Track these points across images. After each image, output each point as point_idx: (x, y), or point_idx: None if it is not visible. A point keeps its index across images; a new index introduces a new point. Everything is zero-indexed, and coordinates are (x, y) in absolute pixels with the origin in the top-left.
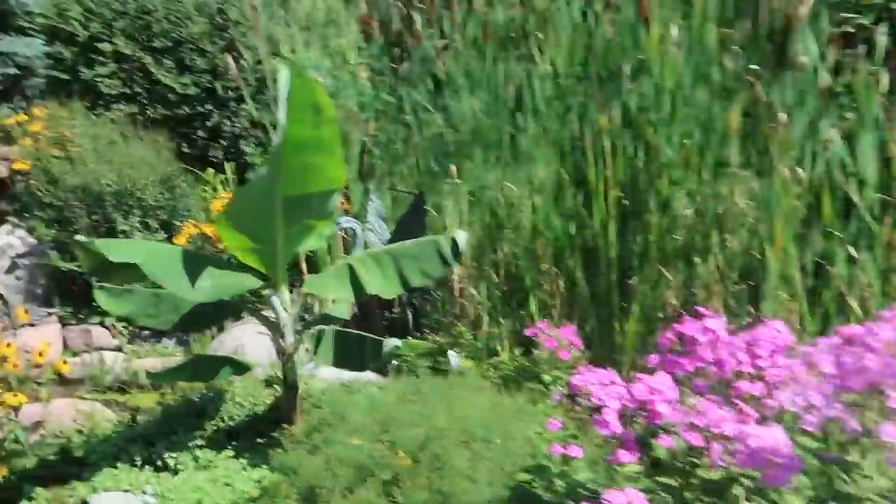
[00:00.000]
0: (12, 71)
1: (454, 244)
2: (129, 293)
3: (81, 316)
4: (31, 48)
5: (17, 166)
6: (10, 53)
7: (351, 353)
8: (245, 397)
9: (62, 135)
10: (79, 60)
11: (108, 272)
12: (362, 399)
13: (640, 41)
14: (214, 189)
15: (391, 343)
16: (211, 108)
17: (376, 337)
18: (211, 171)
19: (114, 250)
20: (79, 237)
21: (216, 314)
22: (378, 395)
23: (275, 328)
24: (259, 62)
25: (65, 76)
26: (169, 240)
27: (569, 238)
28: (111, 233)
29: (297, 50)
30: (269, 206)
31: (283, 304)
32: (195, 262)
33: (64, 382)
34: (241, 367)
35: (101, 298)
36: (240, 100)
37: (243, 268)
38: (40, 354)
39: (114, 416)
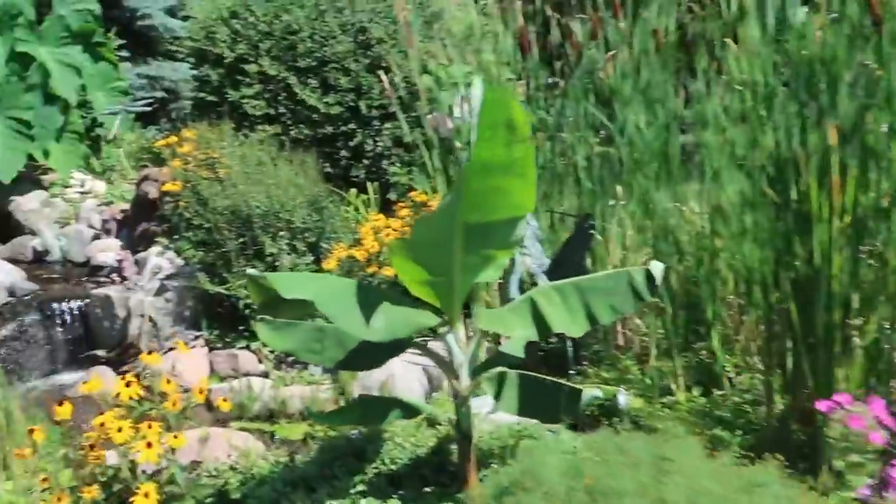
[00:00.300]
0: (159, 94)
1: (649, 277)
2: (291, 327)
3: (228, 340)
4: (177, 72)
5: (167, 188)
6: (158, 77)
7: (541, 403)
8: (406, 438)
9: (211, 156)
10: (225, 82)
11: (277, 307)
12: (554, 457)
13: (868, 46)
14: (356, 209)
15: (591, 394)
16: (354, 127)
17: (574, 385)
18: (353, 191)
19: (286, 286)
20: (251, 271)
21: (384, 352)
22: (567, 443)
23: (448, 368)
24: (406, 79)
25: (212, 98)
26: (317, 263)
27: (768, 267)
28: (259, 255)
29: (447, 64)
30: (448, 235)
31: (459, 342)
32: (369, 298)
33: (211, 408)
34: (411, 411)
35: (263, 332)
36: (383, 118)
37: (416, 302)
38: (200, 392)
39: (266, 450)
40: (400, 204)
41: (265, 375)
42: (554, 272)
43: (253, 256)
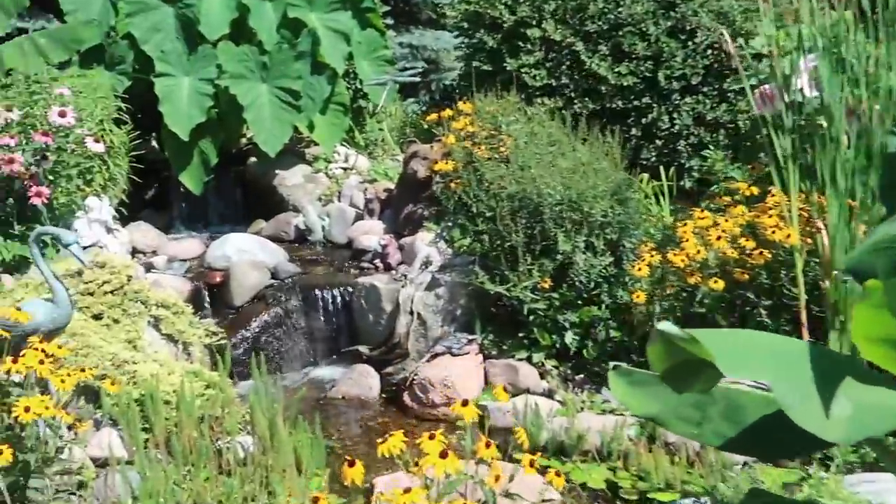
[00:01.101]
0: (420, 65)
1: None
2: (659, 385)
3: (504, 347)
4: (439, 41)
5: (439, 167)
6: (420, 47)
7: None
8: None
9: (493, 133)
10: (503, 48)
11: (687, 375)
12: None
13: None
14: (646, 197)
15: None
16: (649, 101)
17: None
18: (645, 176)
19: (727, 358)
20: (665, 326)
21: (808, 440)
22: None
23: None
24: (714, 45)
25: (486, 66)
26: (616, 265)
27: None
28: (546, 253)
29: (784, 24)
30: None
31: None
32: (829, 371)
33: (482, 426)
34: None
35: (618, 387)
36: (684, 91)
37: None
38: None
39: (562, 499)
40: (725, 198)
41: (548, 395)
42: None
43: (540, 254)
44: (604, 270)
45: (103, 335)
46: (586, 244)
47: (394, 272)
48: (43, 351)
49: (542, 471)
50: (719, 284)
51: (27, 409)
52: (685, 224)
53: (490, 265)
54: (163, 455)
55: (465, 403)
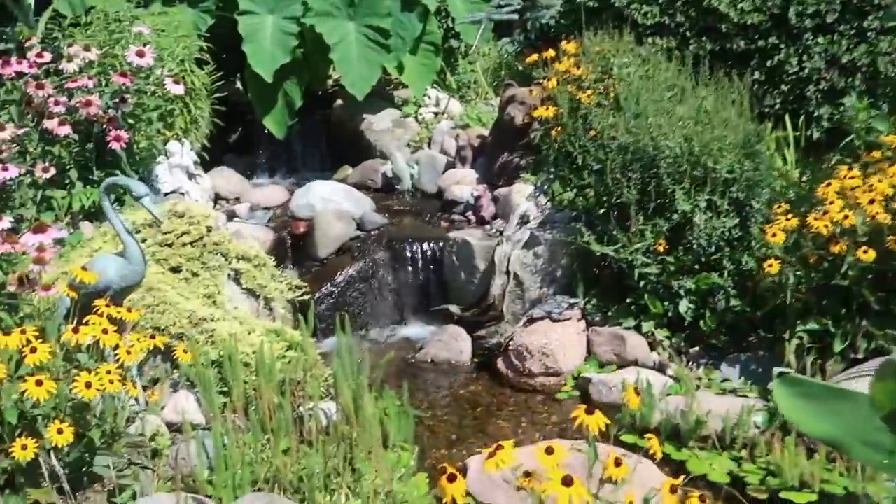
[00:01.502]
0: (517, 1)
1: None
2: (840, 399)
3: (609, 313)
4: None
5: (539, 113)
6: None
7: None
8: None
9: (602, 76)
10: None
11: None
12: None
13: None
14: (767, 148)
15: None
16: (776, 41)
17: None
18: (768, 125)
19: None
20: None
21: None
22: None
23: None
24: None
25: (592, 2)
26: (742, 227)
27: None
28: (660, 211)
29: None
30: None
31: None
32: None
33: (586, 400)
34: None
35: (784, 399)
36: (816, 31)
37: None
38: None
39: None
40: (874, 154)
41: (659, 369)
42: None
43: (654, 212)
44: (727, 233)
45: (181, 290)
46: (708, 203)
47: (488, 227)
48: (109, 318)
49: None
50: (869, 255)
51: (88, 385)
52: (828, 184)
53: (596, 223)
54: (241, 421)
55: (589, 412)
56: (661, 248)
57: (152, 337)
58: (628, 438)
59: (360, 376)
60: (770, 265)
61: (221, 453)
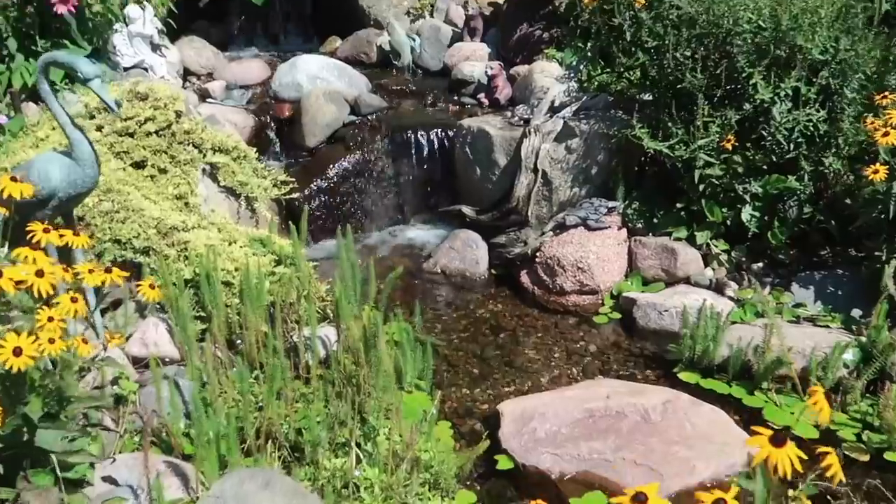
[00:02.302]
0: None
1: None
2: None
3: (656, 220)
4: None
5: None
6: None
7: None
8: None
9: None
10: None
11: None
12: None
13: None
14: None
15: None
16: None
17: None
18: None
19: None
20: None
21: None
22: None
23: None
24: None
25: None
26: (829, 122)
27: None
28: (733, 98)
29: None
30: None
31: None
32: None
33: (629, 322)
34: None
35: None
36: None
37: None
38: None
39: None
40: None
41: (716, 289)
42: None
43: (721, 102)
44: (810, 128)
45: (146, 191)
46: (793, 91)
47: (508, 114)
48: (44, 250)
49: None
50: None
51: (18, 352)
52: None
53: (649, 113)
54: (223, 354)
55: (777, 441)
56: (728, 146)
57: (108, 270)
58: (688, 377)
59: (365, 310)
60: (875, 170)
61: (200, 398)
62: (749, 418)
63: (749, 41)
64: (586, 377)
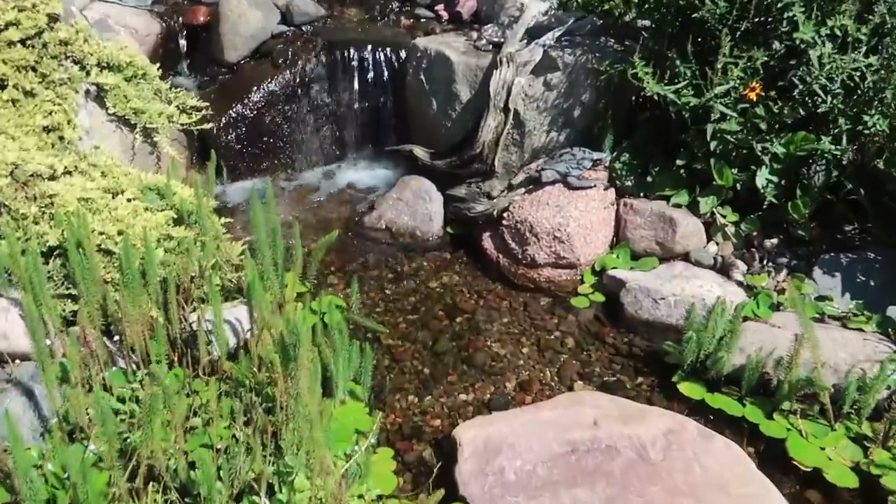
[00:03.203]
0: None
1: None
2: None
3: (650, 180)
4: None
5: None
6: None
7: None
8: None
9: None
10: None
11: None
12: None
13: None
14: None
15: None
16: None
17: None
18: None
19: None
20: None
21: None
22: None
23: None
24: None
25: None
26: (884, 70)
27: None
28: (758, 38)
29: None
30: None
31: None
32: None
33: (614, 307)
34: None
35: None
36: None
37: None
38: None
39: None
40: None
41: (721, 271)
42: None
43: (744, 38)
44: (855, 77)
45: (3, 121)
46: (839, 31)
47: (473, 35)
48: None
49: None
50: None
51: None
52: None
53: (650, 46)
54: (99, 349)
55: None
56: (752, 95)
57: None
58: (691, 390)
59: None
60: None
61: (60, 412)
62: (769, 452)
63: None
64: (563, 383)
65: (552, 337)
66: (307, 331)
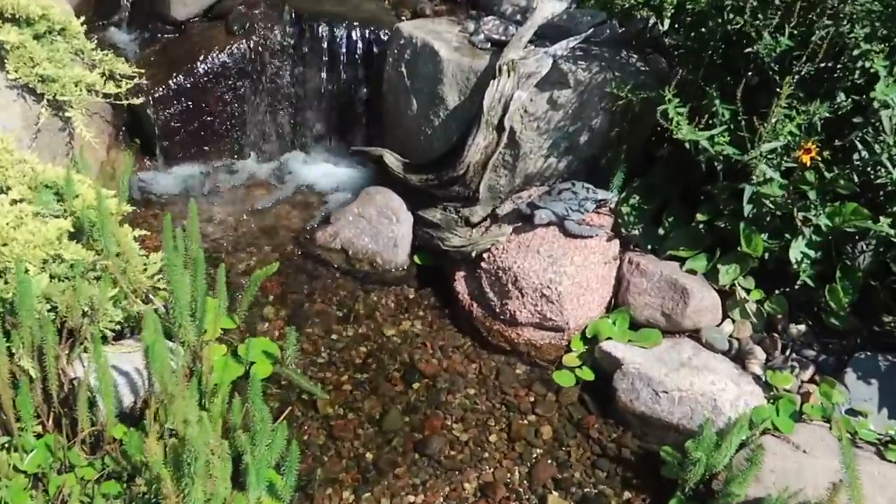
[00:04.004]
0: None
1: None
2: None
3: (662, 234)
4: None
5: None
6: None
7: None
8: None
9: None
10: None
11: None
12: None
13: None
14: None
15: None
16: None
17: None
18: None
19: None
20: None
21: None
22: None
23: None
24: None
25: None
26: None
27: None
28: (823, 86)
29: None
30: None
31: None
32: None
33: (605, 387)
34: None
35: None
36: None
37: None
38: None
39: None
40: None
41: (738, 359)
42: None
43: (801, 85)
44: None
45: None
46: None
47: (469, 25)
48: None
49: None
50: None
51: None
52: None
53: (680, 72)
54: None
55: None
56: (806, 159)
57: None
58: None
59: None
60: None
61: None
62: None
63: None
64: (533, 491)
65: (526, 422)
66: (208, 432)
